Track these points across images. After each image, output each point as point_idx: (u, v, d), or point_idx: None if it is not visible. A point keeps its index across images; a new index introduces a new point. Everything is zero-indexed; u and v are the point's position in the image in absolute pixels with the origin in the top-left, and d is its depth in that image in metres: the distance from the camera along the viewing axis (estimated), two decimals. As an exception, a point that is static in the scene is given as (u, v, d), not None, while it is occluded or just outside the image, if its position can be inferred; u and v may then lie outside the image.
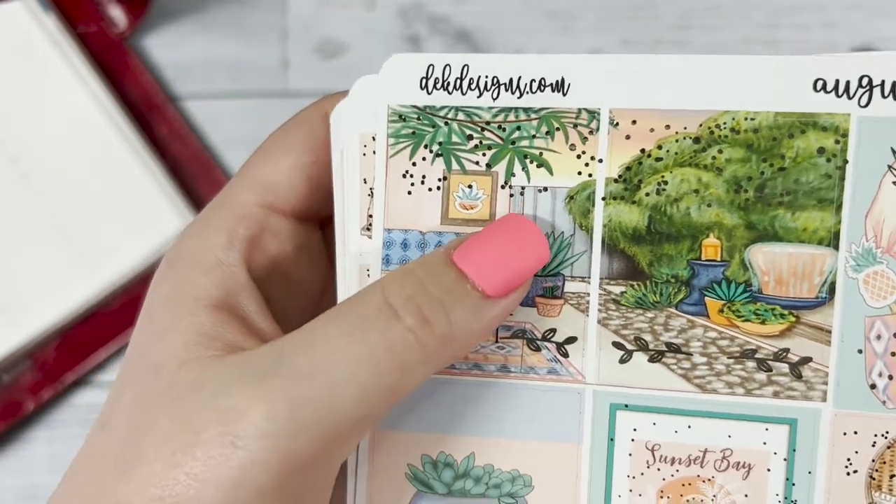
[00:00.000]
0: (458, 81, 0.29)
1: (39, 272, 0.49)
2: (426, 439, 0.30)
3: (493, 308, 0.26)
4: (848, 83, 0.27)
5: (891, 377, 0.27)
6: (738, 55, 0.27)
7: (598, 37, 0.50)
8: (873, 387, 0.27)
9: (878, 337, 0.27)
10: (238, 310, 0.27)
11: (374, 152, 0.30)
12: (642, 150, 0.28)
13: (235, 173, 0.30)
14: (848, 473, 0.28)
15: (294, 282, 0.30)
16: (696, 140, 0.28)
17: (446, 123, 0.29)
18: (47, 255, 0.49)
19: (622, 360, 0.29)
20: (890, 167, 0.27)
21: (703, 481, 0.29)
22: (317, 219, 0.31)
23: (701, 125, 0.28)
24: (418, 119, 0.29)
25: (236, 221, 0.29)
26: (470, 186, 0.29)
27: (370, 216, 0.30)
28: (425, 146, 0.29)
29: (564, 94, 0.28)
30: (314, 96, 0.31)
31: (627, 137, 0.28)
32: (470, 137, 0.29)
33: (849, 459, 0.28)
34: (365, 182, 0.30)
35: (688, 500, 0.29)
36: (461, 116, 0.29)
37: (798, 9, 0.49)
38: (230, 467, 0.23)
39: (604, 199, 0.28)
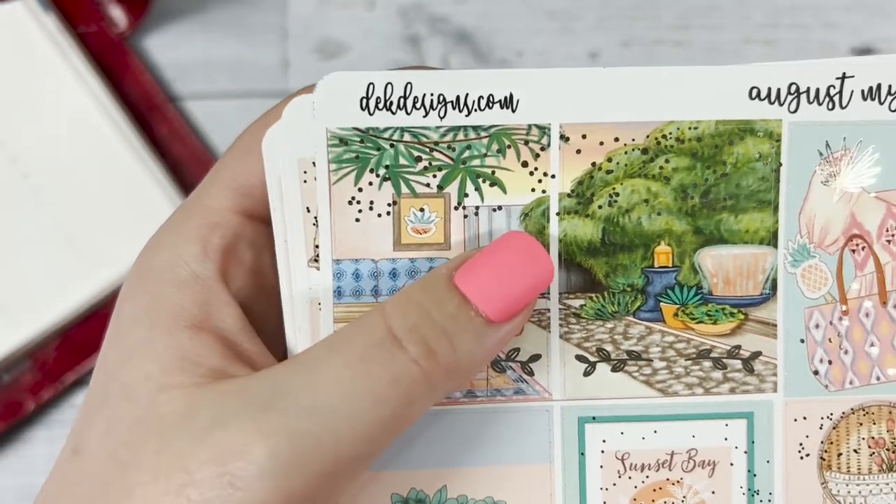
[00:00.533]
0: (402, 100, 0.27)
1: (39, 272, 0.47)
2: (395, 477, 0.27)
3: (498, 333, 0.24)
4: (779, 91, 0.27)
5: (830, 362, 0.28)
6: (679, 66, 0.27)
7: (598, 37, 0.49)
8: (816, 373, 0.28)
9: (817, 326, 0.28)
10: (219, 329, 0.24)
11: (315, 178, 0.27)
12: (593, 164, 0.27)
13: (208, 173, 0.26)
14: (801, 458, 0.28)
15: (274, 293, 0.27)
16: (644, 151, 0.27)
17: (392, 145, 0.27)
18: (47, 255, 0.47)
19: (586, 373, 0.28)
20: (817, 167, 0.28)
21: (673, 484, 0.28)
22: None
23: (648, 136, 0.27)
24: (361, 142, 0.27)
25: (209, 230, 0.25)
26: (422, 210, 0.27)
27: (317, 247, 0.27)
28: (371, 170, 0.27)
29: (514, 111, 0.27)
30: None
31: (578, 152, 0.27)
32: (418, 159, 0.27)
33: (801, 444, 0.28)
34: (309, 211, 0.27)
35: (659, 505, 0.28)
36: (407, 137, 0.27)
37: (798, 9, 0.50)
38: None
39: (558, 214, 0.27)
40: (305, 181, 0.27)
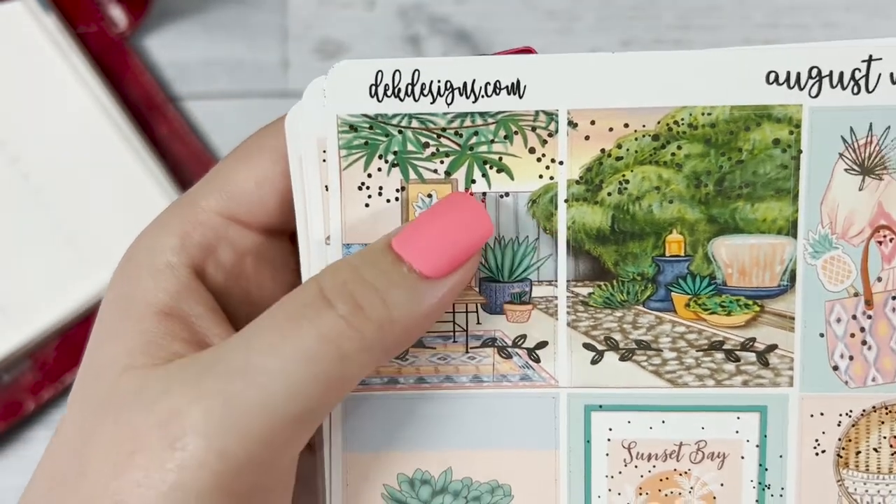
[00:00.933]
0: (410, 87, 0.27)
1: (39, 272, 0.46)
2: (401, 457, 0.27)
3: (436, 289, 0.24)
4: (798, 74, 0.26)
5: (851, 358, 0.27)
6: (692, 50, 0.26)
7: (598, 37, 0.48)
8: (836, 368, 0.27)
9: (838, 320, 0.27)
10: (188, 317, 0.25)
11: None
12: (602, 150, 0.27)
13: (206, 174, 0.27)
14: (817, 454, 0.27)
15: (255, 296, 0.27)
16: (655, 137, 0.26)
17: (400, 132, 0.27)
18: (47, 255, 0.46)
19: (594, 361, 0.27)
20: (841, 155, 0.26)
21: (680, 474, 0.27)
22: (286, 233, 0.28)
23: (659, 122, 0.26)
24: (370, 128, 0.27)
25: (192, 226, 0.26)
26: (430, 196, 0.27)
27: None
28: (380, 156, 0.27)
29: (521, 97, 0.26)
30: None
31: (587, 138, 0.27)
32: (426, 145, 0.27)
33: (817, 440, 0.27)
34: (327, 189, 0.27)
35: (666, 495, 0.27)
36: (415, 124, 0.27)
37: (798, 9, 0.48)
38: (168, 469, 0.22)
39: (566, 201, 0.27)
40: (324, 160, 0.27)
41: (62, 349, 0.47)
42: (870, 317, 0.27)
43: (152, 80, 0.49)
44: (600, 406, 0.27)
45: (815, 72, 0.26)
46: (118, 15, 0.49)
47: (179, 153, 0.49)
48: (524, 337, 0.27)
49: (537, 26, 0.48)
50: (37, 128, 0.47)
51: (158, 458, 0.22)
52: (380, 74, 0.26)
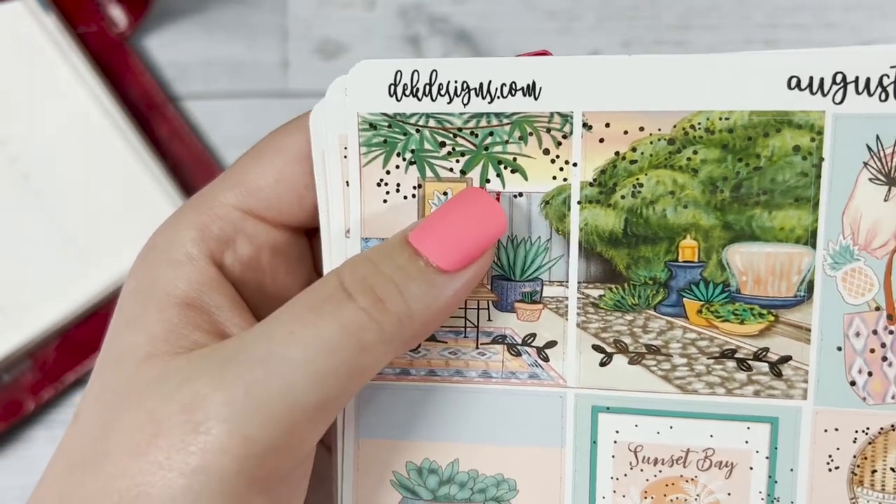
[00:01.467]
0: (428, 87, 0.27)
1: (39, 272, 0.46)
2: (410, 446, 0.28)
3: (452, 283, 0.24)
4: (822, 80, 0.25)
5: (870, 374, 0.26)
6: (710, 54, 0.25)
7: (598, 37, 0.47)
8: (853, 384, 0.26)
9: (857, 334, 0.26)
10: (206, 307, 0.25)
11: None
12: (616, 153, 0.26)
13: (225, 169, 0.28)
14: (830, 470, 0.26)
15: (269, 289, 0.28)
16: (671, 141, 0.26)
17: (418, 131, 0.27)
18: (47, 255, 0.46)
19: (602, 363, 0.27)
20: (865, 164, 0.25)
21: (687, 481, 0.27)
22: (302, 228, 0.28)
23: (675, 126, 0.26)
24: (389, 127, 0.27)
25: (210, 219, 0.26)
26: (445, 193, 0.27)
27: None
28: (398, 154, 0.27)
29: (536, 98, 0.26)
30: (314, 96, 0.29)
31: (601, 140, 0.26)
32: (442, 144, 0.27)
33: (830, 456, 0.26)
34: (348, 184, 0.27)
35: (671, 500, 0.27)
36: (432, 123, 0.27)
37: (798, 9, 0.46)
38: (191, 452, 0.22)
39: (579, 202, 0.26)
40: (346, 157, 0.27)
41: (62, 349, 0.46)
42: (892, 332, 0.25)
43: (152, 80, 0.49)
44: (608, 408, 0.27)
45: (839, 77, 0.24)
46: (118, 15, 0.49)
47: (179, 153, 0.48)
48: (534, 336, 0.27)
49: (537, 26, 0.47)
50: (37, 128, 0.46)
51: (181, 441, 0.22)
52: (399, 74, 0.27)
